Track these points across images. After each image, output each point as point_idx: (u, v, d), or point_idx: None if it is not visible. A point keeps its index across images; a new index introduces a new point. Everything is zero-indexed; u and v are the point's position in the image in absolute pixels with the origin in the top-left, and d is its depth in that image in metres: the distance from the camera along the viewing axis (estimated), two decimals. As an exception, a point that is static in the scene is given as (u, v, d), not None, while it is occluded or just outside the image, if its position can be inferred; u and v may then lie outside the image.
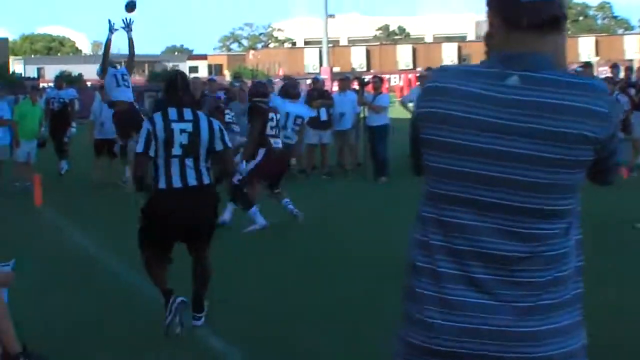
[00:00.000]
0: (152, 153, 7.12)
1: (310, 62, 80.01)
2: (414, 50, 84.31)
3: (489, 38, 2.60)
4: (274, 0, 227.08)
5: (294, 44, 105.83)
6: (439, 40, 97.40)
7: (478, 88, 2.49)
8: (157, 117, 7.24)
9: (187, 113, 7.26)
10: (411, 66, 77.57)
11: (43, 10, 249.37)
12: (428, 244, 2.58)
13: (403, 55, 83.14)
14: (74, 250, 10.78)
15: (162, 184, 7.09)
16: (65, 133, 19.24)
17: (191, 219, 7.12)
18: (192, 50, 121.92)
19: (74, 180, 17.80)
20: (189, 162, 7.13)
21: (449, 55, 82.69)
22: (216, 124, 7.36)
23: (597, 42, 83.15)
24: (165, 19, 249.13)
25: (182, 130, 7.16)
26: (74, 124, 19.73)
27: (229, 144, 7.40)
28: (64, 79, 21.81)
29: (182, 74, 7.63)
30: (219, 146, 7.25)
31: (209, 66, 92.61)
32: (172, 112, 7.24)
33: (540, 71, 2.48)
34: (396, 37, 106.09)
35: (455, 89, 2.52)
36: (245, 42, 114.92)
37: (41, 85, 40.40)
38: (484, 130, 2.48)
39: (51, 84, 27.27)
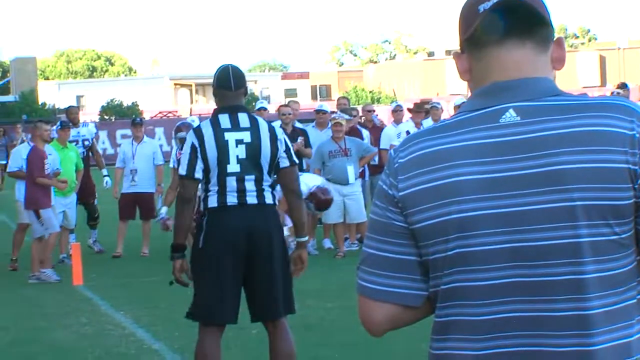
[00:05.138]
0: None
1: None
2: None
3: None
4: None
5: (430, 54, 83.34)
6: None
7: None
8: None
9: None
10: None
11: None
12: None
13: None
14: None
15: None
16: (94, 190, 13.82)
17: None
18: (288, 67, 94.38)
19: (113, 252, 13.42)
20: None
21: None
22: None
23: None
24: (251, 26, 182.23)
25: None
26: (105, 172, 14.15)
27: None
28: (78, 109, 15.21)
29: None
30: None
31: (313, 88, 71.48)
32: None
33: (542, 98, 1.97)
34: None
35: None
36: (363, 54, 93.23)
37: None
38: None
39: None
